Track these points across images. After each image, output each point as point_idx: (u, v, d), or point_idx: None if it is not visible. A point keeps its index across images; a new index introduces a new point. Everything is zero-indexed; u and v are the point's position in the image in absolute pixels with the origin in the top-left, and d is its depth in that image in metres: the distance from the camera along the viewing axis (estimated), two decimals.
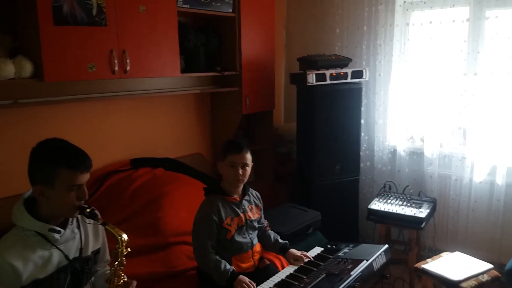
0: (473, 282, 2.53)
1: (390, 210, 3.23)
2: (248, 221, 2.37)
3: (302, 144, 3.69)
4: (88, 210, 1.62)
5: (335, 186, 3.58)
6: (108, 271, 1.72)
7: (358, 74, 3.52)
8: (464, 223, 3.49)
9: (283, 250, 2.46)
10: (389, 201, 3.37)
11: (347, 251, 2.56)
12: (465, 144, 3.44)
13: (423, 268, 2.70)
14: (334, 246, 2.63)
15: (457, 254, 2.84)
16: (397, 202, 3.35)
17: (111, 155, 3.07)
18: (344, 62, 3.59)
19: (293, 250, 2.44)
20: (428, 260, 2.79)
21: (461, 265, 2.69)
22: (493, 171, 3.31)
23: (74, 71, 2.42)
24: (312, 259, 2.45)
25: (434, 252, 3.49)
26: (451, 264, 2.71)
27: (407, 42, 3.63)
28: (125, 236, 1.64)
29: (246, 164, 2.30)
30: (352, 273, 2.23)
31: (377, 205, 3.32)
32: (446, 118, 3.52)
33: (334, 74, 3.43)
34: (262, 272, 2.35)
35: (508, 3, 3.12)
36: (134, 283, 1.72)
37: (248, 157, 2.32)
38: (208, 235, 2.23)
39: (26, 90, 2.50)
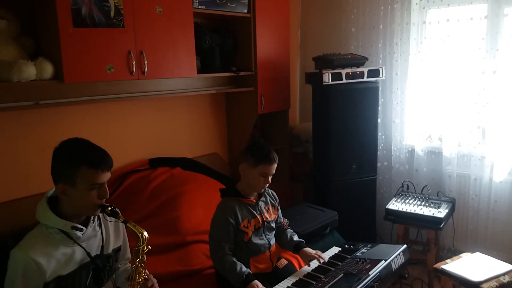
0: (494, 283, 2.48)
1: (408, 210, 3.20)
2: (265, 222, 2.37)
3: (318, 143, 3.68)
4: (109, 208, 1.64)
5: (352, 185, 3.56)
6: (129, 269, 1.73)
7: (374, 73, 3.50)
8: (484, 223, 3.44)
9: (297, 249, 2.43)
10: (407, 201, 3.33)
11: (365, 251, 2.54)
12: (484, 143, 3.38)
13: (442, 268, 2.66)
14: (351, 246, 2.62)
15: (477, 255, 2.80)
16: (415, 202, 3.31)
17: (129, 155, 3.11)
18: (360, 61, 3.56)
19: (307, 249, 2.41)
20: (448, 260, 2.75)
21: (482, 266, 2.65)
22: None
23: (93, 72, 2.45)
24: (330, 257, 2.44)
25: (453, 252, 3.44)
26: (471, 264, 2.67)
27: (423, 40, 3.58)
28: (146, 234, 1.66)
29: (273, 173, 2.30)
30: (370, 273, 2.22)
31: (395, 205, 3.29)
32: (464, 117, 3.47)
33: (350, 73, 3.41)
34: (280, 272, 2.34)
35: None
36: (153, 279, 1.74)
37: (276, 165, 2.31)
38: (225, 237, 2.23)
39: (47, 91, 2.54)
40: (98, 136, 2.83)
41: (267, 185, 2.30)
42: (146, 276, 1.69)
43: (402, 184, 3.57)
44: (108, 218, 1.77)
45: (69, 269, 1.62)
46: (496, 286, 2.47)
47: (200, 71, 3.20)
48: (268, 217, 2.39)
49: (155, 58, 2.74)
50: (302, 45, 4.47)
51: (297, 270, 2.39)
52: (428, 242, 3.19)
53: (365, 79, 3.46)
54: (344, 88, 3.42)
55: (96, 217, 1.73)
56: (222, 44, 3.38)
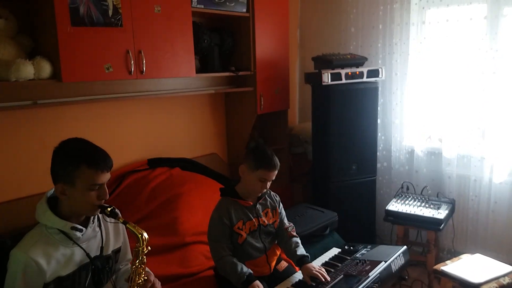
0: (494, 285, 2.47)
1: (408, 211, 3.19)
2: (262, 226, 2.30)
3: (317, 144, 3.67)
4: (109, 209, 1.63)
5: (351, 186, 3.55)
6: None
7: (374, 73, 3.49)
8: (484, 224, 3.43)
9: (300, 263, 2.28)
10: (407, 202, 3.32)
11: (365, 252, 2.53)
12: (484, 144, 3.38)
13: (442, 270, 2.65)
14: (351, 247, 2.61)
15: (477, 256, 2.79)
16: (415, 203, 3.30)
17: (128, 155, 3.09)
18: (359, 61, 3.55)
19: (310, 265, 2.24)
20: (448, 262, 2.74)
21: (481, 267, 2.64)
22: None
23: (91, 71, 2.44)
24: (329, 259, 2.42)
25: (453, 254, 3.44)
26: (471, 266, 2.66)
27: (423, 40, 3.57)
28: (145, 235, 1.65)
29: (273, 179, 2.25)
30: (370, 274, 2.22)
31: (394, 206, 3.28)
32: (464, 117, 3.46)
33: (349, 73, 3.40)
34: (281, 274, 2.32)
35: None
36: (153, 279, 1.72)
37: (277, 171, 2.25)
38: (222, 237, 2.20)
39: (45, 90, 2.53)
40: (97, 136, 2.78)
41: (265, 190, 2.25)
42: (145, 277, 1.68)
43: (402, 185, 3.56)
44: (108, 219, 1.76)
45: (69, 270, 1.61)
46: (496, 287, 2.46)
47: (199, 70, 3.19)
48: (265, 221, 2.32)
49: (154, 57, 2.73)
50: (301, 45, 4.46)
51: (296, 272, 2.37)
52: (428, 243, 3.18)
53: (364, 79, 3.46)
54: (344, 88, 3.41)
55: (96, 217, 1.72)
56: (221, 44, 3.37)
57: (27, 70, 2.18)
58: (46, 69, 2.27)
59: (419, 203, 3.28)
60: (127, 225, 1.65)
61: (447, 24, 3.42)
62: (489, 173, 3.34)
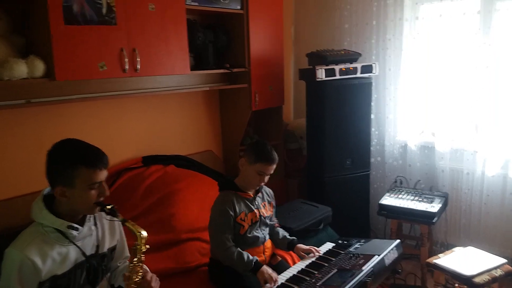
0: (486, 277, 2.51)
1: (402, 205, 3.22)
2: (262, 217, 2.40)
3: (312, 139, 3.69)
4: (108, 207, 1.64)
5: (346, 181, 3.57)
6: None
7: (367, 68, 3.51)
8: (476, 217, 3.47)
9: (290, 246, 2.47)
10: (400, 196, 3.35)
11: (359, 246, 2.55)
12: (477, 138, 3.40)
13: (435, 263, 2.68)
14: (345, 242, 2.63)
15: (470, 249, 2.82)
16: (408, 197, 3.33)
17: (123, 153, 3.09)
18: (353, 57, 3.57)
19: (301, 245, 2.46)
20: (440, 255, 2.77)
21: (474, 260, 2.67)
22: (506, 165, 3.27)
23: (85, 70, 2.43)
24: (324, 253, 2.45)
25: (446, 247, 3.47)
26: (463, 259, 2.69)
27: (416, 36, 3.59)
28: (144, 233, 1.65)
29: (271, 173, 2.34)
30: (363, 268, 2.23)
31: (388, 200, 3.31)
32: (457, 112, 3.48)
33: (343, 69, 3.41)
34: (274, 268, 2.35)
35: None
36: (150, 276, 1.74)
37: (275, 166, 2.34)
38: (227, 228, 2.27)
39: (38, 89, 2.52)
40: (91, 134, 2.82)
41: (263, 183, 2.34)
42: (142, 275, 1.68)
43: (396, 179, 3.59)
44: (107, 217, 1.75)
45: (64, 268, 1.61)
46: (488, 279, 2.50)
47: (194, 68, 3.19)
48: (264, 213, 2.43)
49: (148, 55, 2.73)
50: (295, 41, 4.46)
51: (290, 266, 2.39)
52: (421, 237, 3.22)
53: (358, 75, 3.47)
54: (338, 84, 3.43)
55: (92, 216, 1.73)
56: (215, 41, 3.37)
57: (21, 69, 2.17)
58: (40, 67, 2.26)
59: (412, 197, 3.31)
60: (126, 223, 1.65)
61: (440, 19, 3.44)
62: (482, 167, 3.37)
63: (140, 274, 1.67)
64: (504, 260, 2.65)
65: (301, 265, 2.35)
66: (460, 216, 3.55)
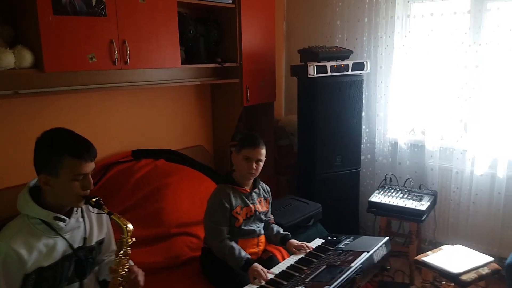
0: (473, 275, 2.53)
1: (391, 203, 3.23)
2: (257, 212, 2.43)
3: (303, 136, 3.68)
4: (93, 199, 1.62)
5: (336, 178, 3.58)
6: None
7: (359, 66, 3.51)
8: (464, 216, 3.49)
9: (283, 241, 2.49)
10: (389, 193, 3.37)
11: (348, 243, 2.55)
12: (466, 137, 3.43)
13: (423, 260, 2.70)
14: (334, 238, 2.63)
15: (458, 247, 2.84)
16: (397, 194, 3.35)
17: (112, 146, 3.06)
18: (345, 54, 3.57)
19: (293, 241, 2.48)
20: (429, 252, 2.79)
21: (462, 257, 2.69)
22: (494, 164, 3.30)
23: (74, 61, 2.40)
24: (313, 249, 2.45)
25: (435, 245, 3.49)
26: (451, 256, 2.71)
27: (408, 34, 3.60)
28: (130, 226, 1.64)
29: (260, 160, 2.36)
30: (352, 264, 2.23)
31: (377, 197, 3.32)
32: (447, 111, 3.51)
33: (335, 66, 3.41)
34: (264, 263, 2.36)
35: None
36: (137, 269, 1.71)
37: (263, 152, 2.37)
38: (222, 220, 2.30)
39: (26, 80, 2.49)
40: (80, 126, 2.75)
41: (254, 171, 2.34)
42: (129, 268, 1.67)
43: (385, 177, 3.60)
44: (92, 210, 1.74)
45: (51, 260, 1.59)
46: (476, 277, 2.52)
47: (184, 61, 3.16)
48: (259, 208, 2.46)
49: (138, 47, 2.70)
50: (287, 37, 4.45)
51: (280, 262, 2.39)
52: (410, 234, 3.23)
53: (349, 72, 3.47)
54: (329, 81, 3.42)
55: (79, 208, 1.71)
56: (207, 35, 3.34)
57: (8, 59, 2.14)
58: (28, 58, 2.23)
59: (401, 195, 3.33)
60: (112, 216, 1.64)
61: (432, 18, 3.45)
62: (471, 166, 3.40)
63: (126, 267, 1.66)
64: (491, 258, 2.67)
65: (290, 260, 2.35)
66: (448, 214, 3.58)
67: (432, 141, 3.57)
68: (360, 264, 2.24)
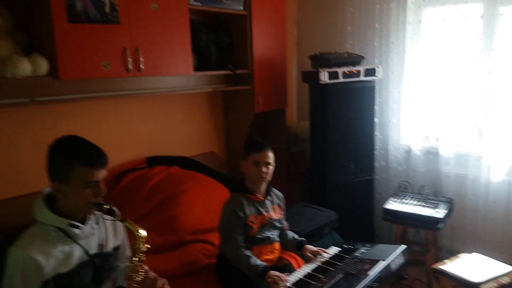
0: (493, 284, 2.47)
1: (406, 210, 3.18)
2: (271, 220, 2.41)
3: (315, 142, 3.66)
4: (106, 206, 1.62)
5: (349, 185, 3.54)
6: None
7: (371, 72, 3.49)
8: (482, 223, 3.43)
9: (299, 246, 2.48)
10: (404, 201, 3.32)
11: (364, 251, 2.51)
12: (481, 143, 3.38)
13: (441, 269, 2.65)
14: (350, 246, 2.59)
15: (476, 256, 2.79)
16: (413, 202, 3.29)
17: (126, 153, 3.07)
18: (356, 60, 3.55)
19: (309, 246, 2.46)
20: (446, 261, 2.74)
21: (480, 266, 2.64)
22: (511, 171, 3.25)
23: (88, 69, 2.41)
24: (329, 258, 2.42)
25: (451, 253, 3.42)
26: (469, 265, 2.66)
27: (419, 39, 3.57)
28: (143, 232, 1.63)
29: (269, 163, 2.35)
30: (369, 273, 2.19)
31: (393, 205, 3.27)
32: (461, 116, 3.46)
33: (347, 72, 3.40)
34: (280, 271, 2.32)
35: None
36: (152, 276, 1.70)
37: (271, 155, 2.37)
38: (237, 229, 2.29)
39: (42, 88, 2.50)
40: (94, 134, 2.78)
41: (265, 175, 2.33)
42: (144, 275, 1.66)
43: (400, 184, 3.56)
44: (105, 217, 1.73)
45: (68, 267, 1.59)
46: (496, 287, 2.46)
47: (196, 68, 3.16)
48: (273, 216, 2.44)
49: (151, 55, 2.70)
50: (298, 43, 4.45)
51: (296, 270, 2.36)
52: (427, 242, 3.18)
53: (361, 78, 3.45)
54: (341, 87, 3.40)
55: (94, 215, 1.70)
56: (218, 42, 3.34)
57: (24, 66, 2.15)
58: (43, 66, 2.24)
59: (417, 202, 3.28)
60: (125, 222, 1.64)
61: (444, 23, 3.42)
62: (487, 172, 3.34)
63: (142, 273, 1.65)
64: (511, 268, 2.61)
65: (306, 269, 2.32)
66: (465, 222, 3.52)
67: (447, 148, 3.53)
68: (378, 272, 2.21)
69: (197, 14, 3.25)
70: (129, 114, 3.08)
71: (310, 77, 3.50)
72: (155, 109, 3.25)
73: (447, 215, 3.17)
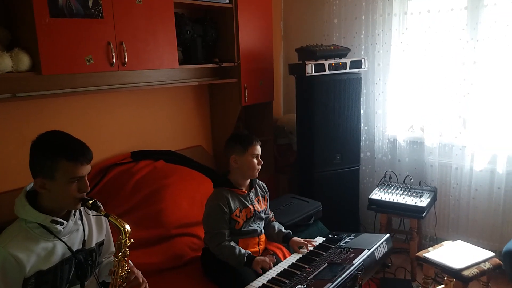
0: (475, 270, 2.53)
1: (391, 200, 3.23)
2: (256, 212, 2.44)
3: (302, 135, 3.68)
4: (90, 202, 1.62)
5: (335, 176, 3.58)
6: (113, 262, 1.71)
7: (357, 64, 3.51)
8: (465, 211, 3.49)
9: (286, 239, 2.51)
10: (389, 190, 3.37)
11: (349, 240, 2.55)
12: (465, 133, 3.43)
13: (424, 256, 2.70)
14: (335, 236, 2.63)
15: (459, 243, 2.84)
16: (397, 191, 3.35)
17: (111, 148, 3.06)
18: (342, 52, 3.57)
19: (296, 238, 2.49)
20: (430, 249, 2.79)
21: (463, 253, 2.69)
22: (494, 160, 3.30)
23: (71, 63, 2.39)
24: (314, 247, 2.46)
25: (435, 241, 3.50)
26: (452, 252, 2.71)
27: (405, 31, 3.60)
28: (128, 227, 1.64)
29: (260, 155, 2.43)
30: (354, 262, 2.23)
31: (377, 194, 3.32)
32: (445, 107, 3.51)
33: (333, 64, 3.41)
34: None
35: None
36: (136, 271, 1.72)
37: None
38: (222, 224, 2.31)
39: (24, 83, 2.48)
40: (78, 129, 2.78)
41: (260, 166, 2.40)
42: (129, 270, 1.67)
43: (385, 174, 3.60)
44: (90, 212, 1.74)
45: (50, 264, 1.59)
46: (477, 273, 2.52)
47: (182, 62, 3.16)
48: (258, 207, 2.47)
49: (136, 49, 2.69)
50: (285, 36, 4.45)
51: (281, 261, 2.39)
52: (411, 231, 3.23)
53: (347, 70, 3.47)
54: (327, 79, 3.42)
55: (78, 211, 1.70)
56: (204, 35, 3.34)
57: (5, 62, 2.13)
58: (25, 61, 2.22)
59: (401, 192, 3.33)
60: (109, 217, 1.64)
61: (429, 14, 3.45)
62: (470, 161, 3.40)
63: (126, 268, 1.66)
64: (492, 254, 2.67)
65: (292, 259, 2.35)
66: (449, 210, 3.58)
67: (431, 138, 3.58)
68: (362, 261, 2.24)
69: (182, 7, 3.24)
70: (114, 108, 3.07)
71: (297, 70, 3.51)
72: (140, 104, 3.24)
73: (431, 204, 3.22)
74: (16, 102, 2.51)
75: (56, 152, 1.54)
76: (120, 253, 1.63)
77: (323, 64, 3.37)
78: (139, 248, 2.34)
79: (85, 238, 1.72)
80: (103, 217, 1.79)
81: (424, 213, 3.09)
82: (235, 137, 2.43)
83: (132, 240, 1.65)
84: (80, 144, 1.62)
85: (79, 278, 1.69)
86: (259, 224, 2.48)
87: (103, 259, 1.89)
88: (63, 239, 1.62)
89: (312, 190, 3.54)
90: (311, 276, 2.11)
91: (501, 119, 3.24)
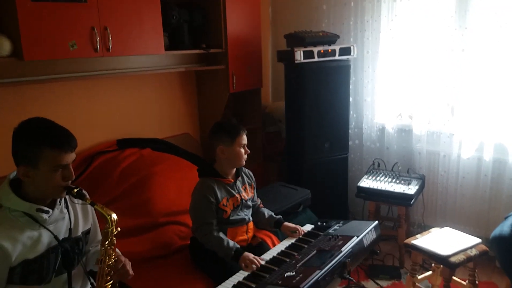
0: (461, 257, 2.55)
1: (379, 187, 3.24)
2: (243, 200, 2.43)
3: (291, 122, 3.66)
4: (75, 190, 1.59)
5: (324, 164, 3.57)
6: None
7: (346, 51, 3.48)
8: (452, 199, 3.52)
9: (278, 224, 2.52)
10: (378, 178, 3.38)
11: (337, 228, 2.55)
12: (453, 121, 3.44)
13: (412, 243, 2.71)
14: (324, 223, 2.63)
15: (446, 230, 2.86)
16: (386, 179, 3.36)
17: (96, 135, 3.01)
18: (331, 38, 3.54)
19: (288, 223, 2.51)
20: (418, 236, 2.80)
21: (450, 240, 2.71)
22: (481, 147, 3.32)
23: (54, 49, 2.33)
24: (303, 235, 2.46)
25: (423, 228, 3.52)
26: (440, 239, 2.73)
27: (394, 18, 3.57)
28: (114, 216, 1.62)
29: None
30: (342, 249, 2.23)
31: (366, 182, 3.33)
32: (434, 95, 3.51)
33: (322, 51, 3.38)
34: (254, 249, 2.35)
35: None
36: (124, 259, 1.69)
37: None
38: (210, 214, 2.29)
39: (5, 69, 2.42)
40: (62, 116, 2.71)
41: (247, 155, 2.39)
42: (116, 258, 1.65)
43: (373, 161, 3.61)
44: (75, 200, 1.71)
45: (36, 252, 1.56)
46: (464, 259, 2.54)
47: (168, 48, 3.09)
48: (245, 196, 2.45)
49: (120, 34, 2.63)
50: (273, 22, 4.40)
51: (270, 248, 2.39)
52: (399, 218, 3.25)
53: (336, 57, 3.45)
54: (316, 66, 3.39)
55: (63, 199, 1.67)
56: (191, 20, 3.28)
57: None
58: (6, 46, 2.17)
59: (390, 179, 3.34)
60: (95, 206, 1.62)
61: (418, 1, 3.42)
62: (458, 149, 3.41)
63: (114, 257, 1.64)
64: (478, 240, 2.69)
65: (281, 246, 2.36)
66: (436, 197, 3.61)
67: (420, 125, 3.58)
68: (350, 248, 2.25)
69: None
70: (99, 95, 3.01)
71: (286, 57, 3.47)
72: (125, 90, 3.18)
73: (419, 191, 3.24)
74: None
75: (39, 140, 1.50)
76: (107, 241, 1.61)
77: (312, 51, 3.34)
78: (126, 237, 2.31)
79: (71, 227, 1.69)
80: (89, 206, 1.76)
81: (412, 201, 3.11)
82: (221, 127, 2.38)
83: (119, 229, 1.63)
84: (64, 132, 1.58)
85: (65, 267, 1.67)
86: (246, 212, 2.47)
87: (90, 248, 1.86)
88: (48, 228, 1.60)
89: (301, 178, 3.53)
90: (300, 263, 2.11)
91: (489, 107, 3.25)
